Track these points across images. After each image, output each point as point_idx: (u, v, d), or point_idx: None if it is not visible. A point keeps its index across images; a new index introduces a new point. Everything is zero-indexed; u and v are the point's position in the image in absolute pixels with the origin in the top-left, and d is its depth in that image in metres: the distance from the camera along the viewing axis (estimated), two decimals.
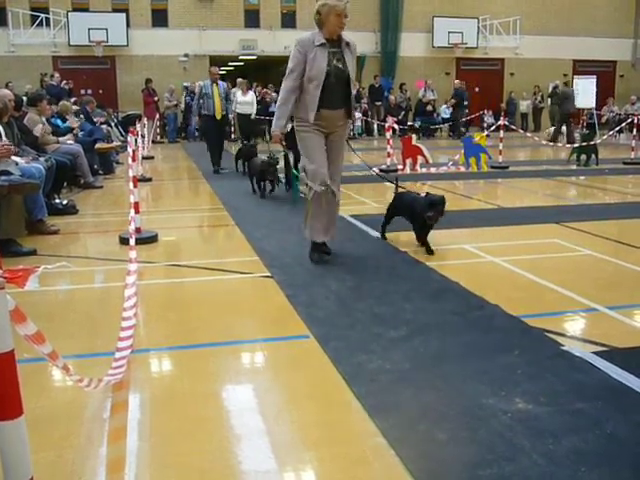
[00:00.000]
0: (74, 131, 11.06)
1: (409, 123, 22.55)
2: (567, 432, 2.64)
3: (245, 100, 14.40)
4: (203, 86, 12.33)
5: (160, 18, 23.86)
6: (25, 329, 1.74)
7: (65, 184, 9.45)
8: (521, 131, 17.96)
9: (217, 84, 12.29)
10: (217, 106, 12.18)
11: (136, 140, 8.71)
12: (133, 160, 6.41)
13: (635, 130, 14.35)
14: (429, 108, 23.58)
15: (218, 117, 12.24)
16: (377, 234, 6.46)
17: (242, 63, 24.88)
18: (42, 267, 1.70)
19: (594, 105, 21.32)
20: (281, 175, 9.77)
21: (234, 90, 15.81)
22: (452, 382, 3.14)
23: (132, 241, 4.69)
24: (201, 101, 12.33)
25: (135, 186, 6.11)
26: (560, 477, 2.34)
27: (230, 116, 13.07)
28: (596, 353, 3.45)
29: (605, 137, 15.81)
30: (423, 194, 5.88)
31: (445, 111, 24.03)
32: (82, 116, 13.30)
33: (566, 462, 2.43)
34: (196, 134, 22.34)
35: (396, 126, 14.83)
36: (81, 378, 2.58)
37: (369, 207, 8.51)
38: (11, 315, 1.64)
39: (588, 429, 2.67)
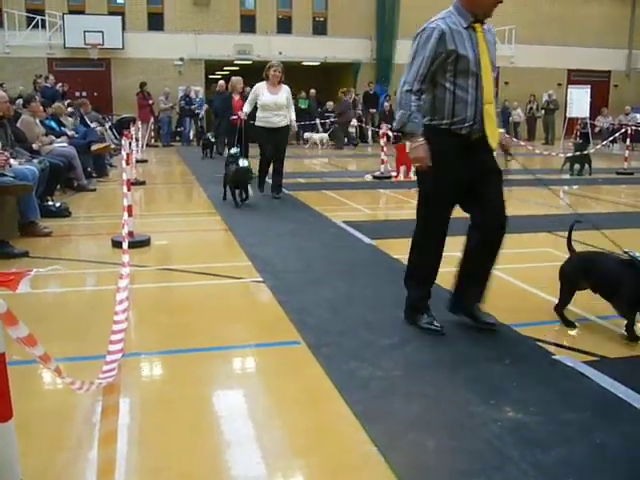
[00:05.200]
0: (69, 133, 11.07)
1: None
2: (556, 442, 2.65)
3: (275, 101, 9.20)
4: (445, 32, 3.65)
5: (156, 22, 23.84)
6: (17, 332, 1.73)
7: (58, 186, 9.43)
8: (515, 139, 18.01)
9: (481, 30, 3.75)
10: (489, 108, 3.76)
11: (130, 143, 8.70)
12: (127, 163, 6.40)
13: (628, 140, 14.44)
14: None
15: (493, 144, 3.83)
16: (370, 241, 6.47)
17: (237, 68, 24.86)
18: (34, 270, 1.70)
19: (588, 115, 21.43)
20: None
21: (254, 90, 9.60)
22: (443, 390, 3.14)
23: (125, 245, 4.69)
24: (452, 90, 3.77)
25: (129, 189, 6.10)
26: None
27: None
28: (587, 363, 3.47)
29: (599, 147, 15.87)
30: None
31: None
32: (77, 119, 13.30)
33: (554, 472, 2.44)
34: (190, 138, 22.23)
35: (390, 133, 14.82)
36: (73, 381, 2.57)
37: (362, 214, 8.52)
38: (2, 318, 1.63)
39: (577, 439, 2.68)
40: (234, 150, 9.76)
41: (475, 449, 2.60)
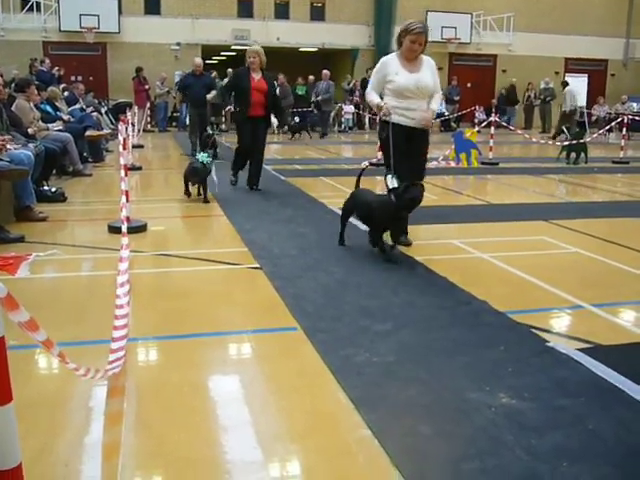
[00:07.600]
0: (64, 117, 11.03)
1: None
2: (550, 427, 2.67)
3: (418, 83, 5.76)
4: None
5: (153, 6, 23.68)
6: (18, 316, 1.73)
7: (54, 171, 9.40)
8: (512, 128, 17.99)
9: None
10: None
11: (126, 128, 8.66)
12: (124, 148, 6.38)
13: (625, 129, 14.46)
14: None
15: None
16: (366, 227, 6.47)
17: (234, 53, 24.74)
18: (34, 255, 1.70)
19: (585, 103, 21.43)
20: None
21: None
22: (438, 376, 3.17)
23: (124, 228, 4.69)
24: None
25: (126, 174, 6.09)
26: (542, 472, 2.38)
27: None
28: (581, 350, 3.49)
29: (595, 135, 15.88)
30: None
31: None
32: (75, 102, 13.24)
33: (548, 457, 2.46)
34: (187, 123, 22.05)
35: None
36: (77, 367, 2.57)
37: None
38: (3, 302, 1.63)
39: (571, 425, 2.70)
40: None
41: (469, 434, 2.62)
